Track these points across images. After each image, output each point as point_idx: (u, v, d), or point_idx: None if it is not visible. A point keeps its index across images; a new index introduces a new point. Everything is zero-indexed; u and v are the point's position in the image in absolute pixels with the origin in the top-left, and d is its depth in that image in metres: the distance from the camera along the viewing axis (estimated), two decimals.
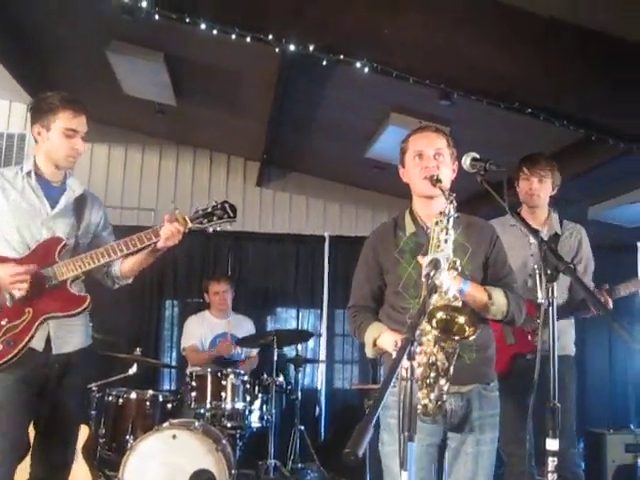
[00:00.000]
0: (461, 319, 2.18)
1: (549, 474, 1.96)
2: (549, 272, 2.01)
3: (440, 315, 2.19)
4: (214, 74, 5.56)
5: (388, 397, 2.49)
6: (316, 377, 6.89)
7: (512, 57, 4.07)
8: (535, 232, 2.22)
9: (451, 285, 2.29)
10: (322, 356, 6.74)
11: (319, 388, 6.76)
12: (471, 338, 2.15)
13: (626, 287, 3.36)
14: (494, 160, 2.40)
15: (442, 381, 2.24)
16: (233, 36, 4.03)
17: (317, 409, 6.56)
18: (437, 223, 2.36)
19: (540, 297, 2.04)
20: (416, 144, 2.66)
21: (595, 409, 6.67)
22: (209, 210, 3.09)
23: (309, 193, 7.69)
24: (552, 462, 1.96)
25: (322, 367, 6.76)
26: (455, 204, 2.38)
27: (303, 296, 7.03)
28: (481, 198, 4.79)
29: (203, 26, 3.99)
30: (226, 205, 3.12)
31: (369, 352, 2.58)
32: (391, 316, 2.61)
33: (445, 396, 2.27)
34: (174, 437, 4.14)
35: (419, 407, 2.26)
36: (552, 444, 1.98)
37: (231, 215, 3.12)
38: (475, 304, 2.48)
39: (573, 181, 5.44)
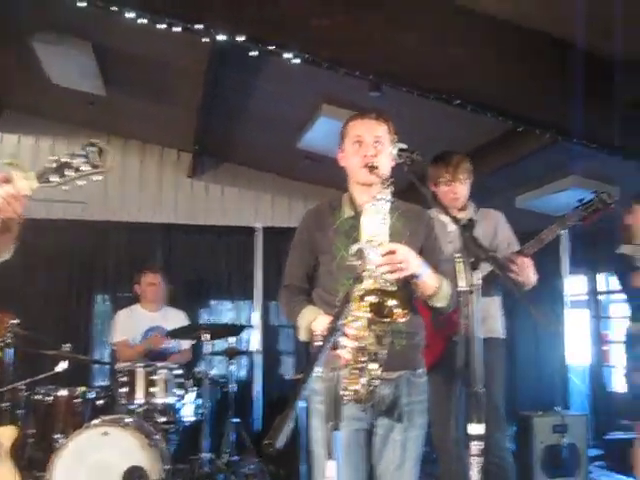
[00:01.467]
0: (392, 302, 2.20)
1: (473, 458, 1.99)
2: (471, 260, 2.05)
3: (371, 298, 2.20)
4: (144, 64, 5.47)
5: (316, 383, 2.54)
6: (251, 369, 6.87)
7: (441, 49, 4.11)
8: (457, 221, 2.25)
9: (411, 265, 2.33)
10: (256, 347, 6.72)
11: (254, 380, 6.75)
12: (402, 321, 2.17)
13: (536, 243, 3.42)
14: (421, 151, 2.43)
15: (372, 365, 2.24)
16: (162, 25, 3.96)
17: (252, 401, 6.55)
18: (372, 207, 2.38)
19: (462, 284, 2.07)
20: (355, 130, 2.66)
21: (524, 393, 6.87)
22: (64, 160, 2.24)
23: (241, 184, 7.65)
24: (476, 446, 2.00)
25: (257, 359, 6.74)
26: (392, 189, 2.40)
27: (236, 288, 7.00)
28: (404, 190, 4.85)
29: (130, 15, 3.90)
30: (89, 149, 2.25)
31: (303, 335, 2.55)
32: (323, 298, 2.61)
33: (376, 381, 2.28)
34: (105, 434, 4.06)
35: (350, 393, 2.27)
36: (475, 428, 2.01)
37: (97, 162, 2.26)
38: (426, 290, 2.50)
39: (501, 171, 5.58)
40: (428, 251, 2.65)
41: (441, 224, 3.61)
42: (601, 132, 4.57)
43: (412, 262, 2.35)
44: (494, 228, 3.69)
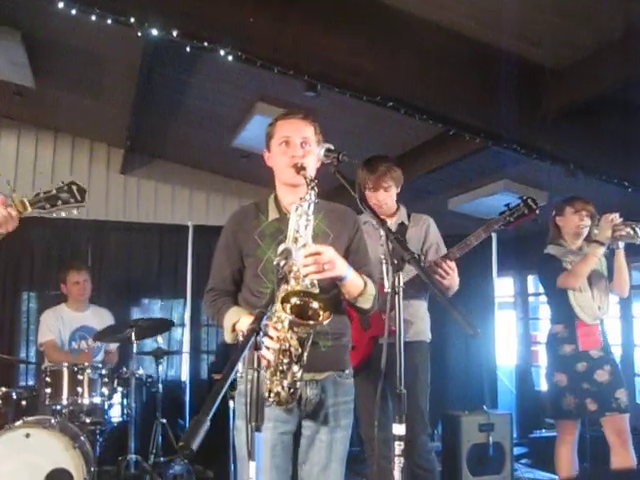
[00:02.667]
0: (315, 304, 2.20)
1: (396, 458, 2.01)
2: (395, 262, 2.06)
3: (294, 300, 2.20)
4: (76, 56, 5.36)
5: (241, 385, 2.52)
6: (180, 368, 6.79)
7: (375, 53, 4.16)
8: (383, 223, 2.26)
9: (337, 267, 2.32)
10: (186, 347, 6.63)
11: (183, 379, 6.66)
12: (325, 323, 2.17)
13: (463, 246, 3.48)
14: (355, 152, 2.43)
15: (295, 368, 2.24)
16: (93, 17, 3.87)
17: (181, 401, 6.45)
18: (297, 209, 2.37)
19: (387, 286, 2.09)
20: (283, 130, 2.62)
21: (455, 393, 6.98)
22: (53, 192, 2.74)
23: (175, 181, 7.57)
24: (398, 446, 2.01)
25: (186, 358, 6.65)
26: (316, 190, 2.39)
27: (167, 286, 6.88)
28: (335, 194, 4.88)
29: (61, 4, 3.80)
30: (73, 187, 2.78)
31: (228, 337, 2.52)
32: (249, 301, 2.58)
33: (298, 383, 2.28)
34: (27, 436, 3.94)
35: (272, 395, 2.26)
36: (398, 429, 2.02)
37: (79, 199, 2.78)
38: (351, 292, 2.50)
39: (434, 174, 5.67)
40: (353, 252, 2.65)
41: (373, 226, 3.63)
42: (531, 138, 4.69)
43: (337, 264, 2.34)
44: (424, 232, 3.73)
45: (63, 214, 2.79)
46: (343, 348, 2.63)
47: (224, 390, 1.50)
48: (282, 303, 2.15)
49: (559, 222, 4.21)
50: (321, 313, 2.18)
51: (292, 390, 2.28)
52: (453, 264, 3.39)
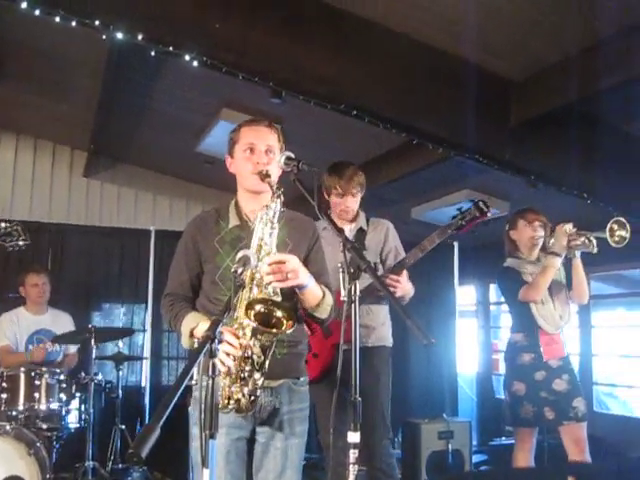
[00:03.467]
0: (279, 313, 2.20)
1: (350, 466, 2.01)
2: (352, 270, 2.07)
3: (259, 308, 2.19)
4: (40, 57, 5.30)
5: (197, 391, 2.50)
6: (140, 374, 6.72)
7: (342, 61, 4.17)
8: (341, 231, 2.28)
9: (300, 276, 2.33)
10: (147, 352, 6.57)
11: (143, 385, 6.59)
12: (289, 332, 2.18)
13: (416, 252, 3.49)
14: (319, 159, 2.43)
15: (256, 375, 2.23)
16: (57, 18, 3.83)
17: (141, 407, 6.39)
18: (262, 217, 2.37)
19: (343, 294, 2.10)
20: (247, 137, 2.62)
21: (416, 400, 7.02)
22: (9, 231, 3.08)
23: (138, 186, 7.50)
24: (353, 454, 2.01)
25: (147, 364, 6.58)
26: (282, 199, 2.40)
27: (128, 291, 6.81)
28: (295, 203, 4.89)
29: (24, 4, 3.75)
30: (19, 228, 3.13)
31: (185, 343, 2.50)
32: (206, 307, 2.57)
33: (259, 391, 2.27)
34: None
35: (232, 403, 2.25)
36: (353, 437, 2.03)
37: (26, 238, 3.13)
38: (310, 301, 2.50)
39: (397, 182, 5.71)
40: (312, 262, 2.65)
41: (332, 233, 3.63)
42: (493, 148, 4.74)
43: (300, 273, 2.35)
44: (384, 237, 3.76)
45: (10, 248, 3.12)
46: (299, 356, 2.63)
47: (176, 397, 1.49)
48: (246, 310, 2.15)
49: (513, 236, 4.27)
50: (284, 322, 2.19)
51: (252, 398, 2.27)
52: (399, 277, 3.39)
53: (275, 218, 2.37)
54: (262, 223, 2.38)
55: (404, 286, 3.40)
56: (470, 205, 3.42)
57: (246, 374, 2.24)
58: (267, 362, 2.25)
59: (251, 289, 2.28)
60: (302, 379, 2.64)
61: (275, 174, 2.56)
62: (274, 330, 2.18)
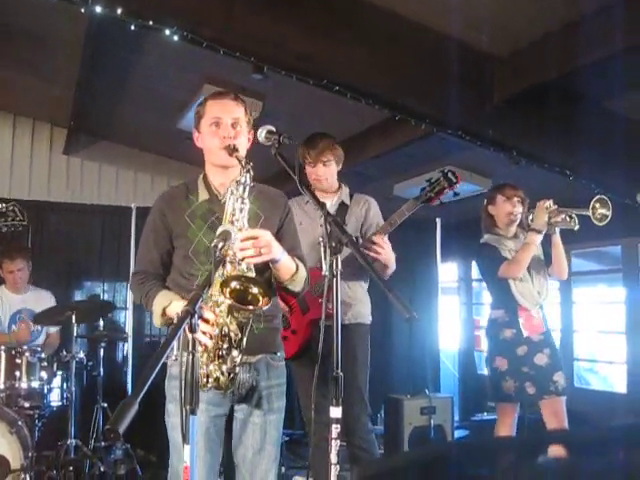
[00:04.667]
0: (255, 289, 2.19)
1: (332, 441, 2.02)
2: (333, 244, 2.07)
3: (234, 285, 2.18)
4: (18, 33, 5.20)
5: (173, 368, 2.49)
6: (122, 352, 6.69)
7: (324, 36, 4.14)
8: (322, 205, 2.27)
9: (273, 251, 2.33)
10: (130, 330, 6.54)
11: (125, 364, 6.57)
12: (264, 308, 2.17)
13: (387, 225, 3.49)
14: (300, 135, 2.42)
15: (235, 352, 2.23)
16: None
17: (123, 385, 6.37)
18: (232, 192, 2.36)
19: (324, 269, 2.09)
20: (213, 111, 2.58)
21: (398, 377, 7.07)
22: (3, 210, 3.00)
23: (120, 163, 7.44)
24: (335, 429, 2.02)
25: (129, 342, 6.55)
26: (252, 173, 2.38)
27: (110, 269, 6.77)
28: (279, 178, 4.87)
29: None
30: (16, 208, 3.05)
31: (157, 322, 2.48)
32: (178, 283, 2.55)
33: (237, 368, 2.27)
34: None
35: (211, 381, 2.25)
36: (335, 412, 2.03)
37: (24, 219, 3.06)
38: (283, 275, 2.50)
39: (379, 159, 5.70)
40: (285, 234, 2.65)
41: (314, 207, 3.63)
42: (475, 125, 4.74)
43: (274, 247, 2.35)
44: (364, 212, 3.75)
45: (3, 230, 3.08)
46: (275, 330, 2.64)
47: (154, 372, 1.48)
48: (222, 287, 2.14)
49: (491, 211, 4.27)
50: (260, 298, 2.18)
51: (232, 375, 2.27)
52: (385, 238, 3.39)
53: (245, 193, 2.37)
54: (233, 199, 2.36)
55: (387, 251, 3.39)
56: (439, 176, 3.41)
57: (224, 352, 2.24)
58: (245, 339, 2.25)
59: (224, 265, 2.26)
60: (279, 354, 2.64)
61: (243, 147, 2.55)
62: (250, 307, 2.17)
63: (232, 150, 2.45)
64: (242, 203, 2.34)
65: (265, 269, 2.44)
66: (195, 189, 2.64)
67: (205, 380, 2.26)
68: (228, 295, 2.13)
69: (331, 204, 3.68)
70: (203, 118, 2.61)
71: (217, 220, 2.46)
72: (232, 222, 2.32)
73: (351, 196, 3.79)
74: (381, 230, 3.43)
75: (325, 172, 3.64)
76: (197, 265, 2.49)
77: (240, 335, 2.22)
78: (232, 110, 2.58)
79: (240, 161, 2.40)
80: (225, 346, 2.22)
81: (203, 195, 2.61)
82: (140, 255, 2.68)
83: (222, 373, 2.25)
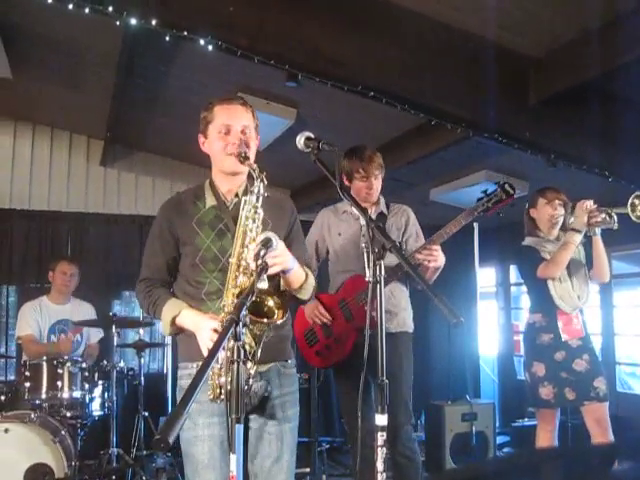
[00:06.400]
0: (270, 302, 2.19)
1: (379, 448, 2.00)
2: (376, 250, 2.05)
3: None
4: (54, 46, 5.27)
5: (183, 380, 2.49)
6: (162, 361, 6.74)
7: (358, 42, 4.13)
8: (364, 211, 2.25)
9: (286, 261, 2.31)
10: (169, 338, 6.58)
11: (165, 372, 6.61)
12: (280, 322, 2.15)
13: (442, 233, 3.48)
14: (337, 142, 2.40)
15: (249, 364, 2.20)
16: (70, 6, 3.82)
17: (163, 394, 6.41)
18: (246, 202, 2.33)
19: (368, 275, 2.07)
20: (222, 117, 2.54)
21: (438, 383, 7.01)
22: None
23: (155, 173, 7.49)
24: (381, 437, 2.00)
25: (169, 350, 6.59)
26: (265, 182, 2.35)
27: None
28: (313, 186, 4.85)
29: None
30: None
31: (166, 330, 2.47)
32: (186, 291, 2.53)
33: (252, 380, 2.25)
34: (6, 431, 3.92)
35: (224, 392, 2.21)
36: (380, 419, 2.02)
37: None
38: (293, 284, 2.48)
39: (415, 164, 5.66)
40: (293, 241, 2.62)
41: (352, 215, 3.64)
42: (512, 127, 4.68)
43: (287, 257, 2.33)
44: (404, 222, 3.75)
45: None
46: (285, 338, 2.61)
47: (202, 382, 1.47)
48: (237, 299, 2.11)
49: (533, 214, 4.23)
50: (276, 311, 2.17)
51: (247, 387, 2.23)
52: (437, 245, 3.40)
53: (259, 202, 2.34)
54: (247, 208, 2.34)
55: (440, 256, 3.40)
56: (496, 187, 3.40)
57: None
58: (259, 351, 2.23)
59: (237, 277, 2.23)
60: (290, 361, 2.61)
61: (253, 154, 2.53)
62: (265, 320, 2.15)
63: (244, 158, 2.42)
64: (256, 213, 2.32)
65: (274, 276, 2.37)
66: (202, 195, 2.60)
67: (218, 392, 2.25)
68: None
69: (370, 214, 3.68)
70: (211, 124, 2.57)
71: (225, 227, 2.45)
72: (245, 232, 2.30)
73: (387, 206, 3.79)
74: (436, 238, 3.44)
75: (376, 185, 3.67)
76: (205, 273, 2.47)
77: (255, 348, 2.20)
78: (241, 116, 2.55)
79: (253, 170, 2.36)
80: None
81: (210, 201, 2.57)
82: (146, 261, 2.65)
83: None
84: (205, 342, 2.28)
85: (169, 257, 2.58)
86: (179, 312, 2.41)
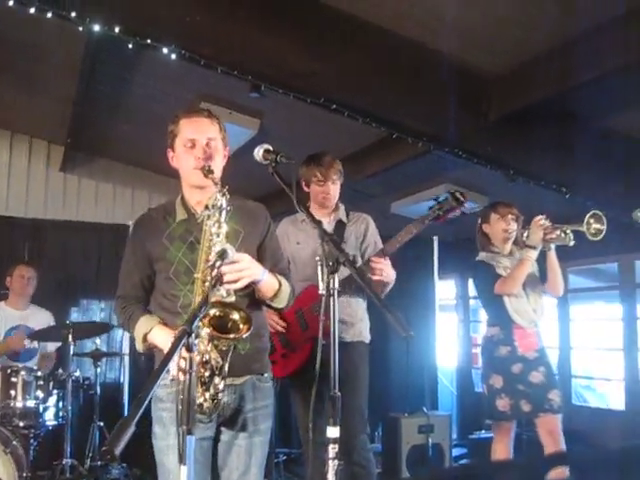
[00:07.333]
0: (235, 316, 2.17)
1: (330, 461, 1.99)
2: (330, 264, 2.06)
3: (214, 312, 2.15)
4: (15, 50, 5.20)
5: (159, 389, 2.46)
6: (119, 371, 6.66)
7: (322, 55, 4.16)
8: (319, 223, 2.26)
9: (254, 273, 2.31)
10: (126, 348, 6.51)
11: (122, 382, 6.54)
12: (244, 336, 2.14)
13: (394, 242, 3.48)
14: (298, 154, 2.41)
15: (217, 379, 2.20)
16: (32, 9, 3.78)
17: (120, 404, 6.34)
18: (209, 217, 2.32)
19: (321, 288, 2.08)
20: (187, 131, 2.52)
21: (395, 395, 7.03)
22: None
23: (117, 180, 7.43)
24: (332, 449, 1.99)
25: (126, 360, 6.52)
26: (228, 196, 2.35)
27: (107, 287, 6.73)
28: (275, 196, 4.85)
29: None
30: None
31: (139, 347, 2.47)
32: (162, 304, 2.52)
33: (220, 394, 2.24)
34: None
35: (195, 407, 2.18)
36: (332, 432, 2.01)
37: None
38: (266, 293, 2.48)
39: (376, 177, 5.70)
40: (266, 249, 2.61)
41: (312, 226, 3.63)
42: (472, 143, 4.75)
43: (254, 270, 2.33)
44: (363, 231, 3.76)
45: None
46: (262, 350, 2.59)
47: (152, 393, 1.46)
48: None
49: (486, 229, 4.27)
50: (241, 325, 2.15)
51: (215, 401, 2.24)
52: (385, 259, 3.39)
53: (222, 217, 2.33)
54: (209, 223, 2.33)
55: (388, 271, 3.40)
56: (447, 195, 3.42)
57: (206, 379, 2.21)
58: (226, 366, 2.22)
59: (203, 291, 2.22)
60: (266, 375, 2.59)
61: (218, 167, 2.52)
62: (230, 335, 2.14)
63: (207, 172, 2.40)
64: (219, 227, 2.31)
65: (247, 286, 2.38)
66: (173, 210, 2.59)
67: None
68: (207, 323, 2.09)
69: (328, 222, 3.70)
70: (177, 137, 2.55)
71: (195, 240, 2.44)
72: (209, 247, 2.29)
73: (347, 214, 3.80)
74: (388, 247, 3.44)
75: (333, 190, 3.67)
76: (179, 286, 2.46)
77: (222, 362, 2.19)
78: (206, 129, 2.53)
79: (216, 184, 2.36)
80: (207, 374, 2.19)
81: (181, 215, 2.56)
82: (121, 279, 2.62)
83: (205, 400, 2.22)
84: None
85: (143, 275, 2.56)
86: (150, 329, 2.40)
